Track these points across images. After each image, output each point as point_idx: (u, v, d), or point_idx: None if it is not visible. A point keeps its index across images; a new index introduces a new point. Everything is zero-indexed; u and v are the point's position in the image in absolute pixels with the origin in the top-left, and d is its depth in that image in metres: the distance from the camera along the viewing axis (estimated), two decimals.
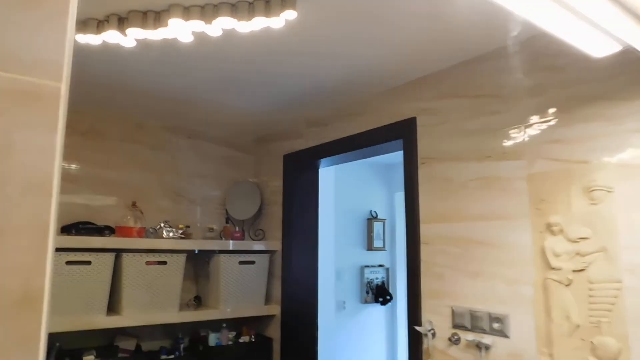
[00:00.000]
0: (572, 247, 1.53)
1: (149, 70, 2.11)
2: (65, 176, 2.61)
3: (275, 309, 2.85)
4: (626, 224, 1.41)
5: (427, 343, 1.94)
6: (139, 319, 2.41)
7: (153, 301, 2.46)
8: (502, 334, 1.70)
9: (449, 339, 1.86)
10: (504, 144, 1.77)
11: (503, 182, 1.76)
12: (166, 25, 1.61)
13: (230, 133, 3.11)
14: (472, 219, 1.85)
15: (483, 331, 1.76)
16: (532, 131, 1.68)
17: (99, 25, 1.67)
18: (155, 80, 2.22)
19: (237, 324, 2.88)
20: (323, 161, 2.86)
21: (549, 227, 1.60)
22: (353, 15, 1.62)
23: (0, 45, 0.46)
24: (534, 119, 1.68)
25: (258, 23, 1.59)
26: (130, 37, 1.68)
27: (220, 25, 1.61)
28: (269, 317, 2.90)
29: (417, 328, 1.98)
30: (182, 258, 2.59)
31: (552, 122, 1.63)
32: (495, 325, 1.72)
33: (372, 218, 4.43)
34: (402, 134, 2.15)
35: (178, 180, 2.97)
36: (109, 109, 2.68)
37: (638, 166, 1.40)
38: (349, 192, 4.28)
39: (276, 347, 2.84)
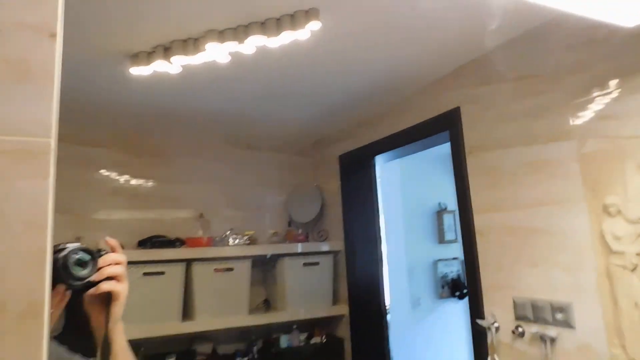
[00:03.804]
0: (633, 228, 1.42)
1: (198, 93, 2.24)
2: (138, 194, 2.83)
3: (343, 309, 2.89)
4: None
5: (491, 337, 1.87)
6: (211, 323, 2.56)
7: (223, 306, 2.59)
8: (567, 324, 1.61)
9: (512, 332, 1.79)
10: (551, 126, 1.68)
11: (553, 165, 1.67)
12: (204, 49, 1.70)
13: (286, 141, 3.19)
14: (525, 207, 1.77)
15: (546, 322, 1.67)
16: (580, 109, 1.58)
17: (148, 56, 1.80)
18: (206, 100, 2.34)
19: (308, 326, 2.94)
20: (377, 159, 2.86)
21: (606, 209, 1.49)
22: (380, 17, 1.62)
23: (1, 115, 0.57)
24: (580, 96, 1.58)
25: (286, 37, 1.63)
26: (175, 64, 1.80)
27: (253, 43, 1.67)
28: (339, 318, 2.94)
29: (479, 322, 1.92)
30: (247, 264, 2.71)
31: (600, 98, 1.52)
32: (559, 316, 1.63)
33: (441, 210, 4.32)
34: (447, 125, 2.10)
35: (241, 189, 3.10)
36: (172, 130, 2.86)
37: None
38: (415, 186, 4.20)
39: (347, 347, 2.87)
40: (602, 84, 1.51)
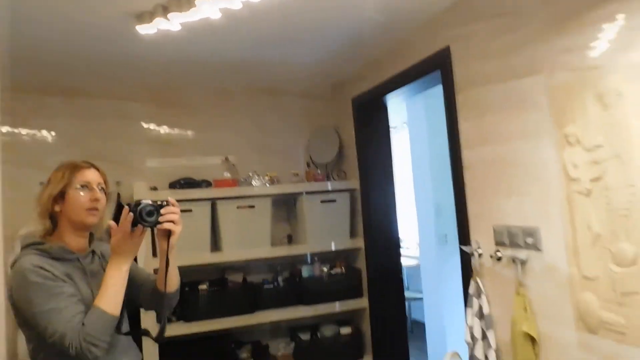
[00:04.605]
0: (589, 155, 1.50)
1: (215, 45, 2.42)
2: (170, 142, 3.14)
3: (360, 242, 3.11)
4: (637, 127, 1.35)
5: (474, 262, 2.03)
6: (236, 254, 2.87)
7: (247, 240, 2.90)
8: (535, 247, 1.73)
9: (491, 256, 1.94)
10: (525, 61, 1.73)
11: (528, 99, 1.74)
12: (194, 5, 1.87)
13: (305, 85, 3.33)
14: (505, 141, 1.86)
15: (519, 246, 1.81)
16: (548, 43, 1.63)
17: (150, 15, 1.99)
18: (224, 51, 2.52)
19: (329, 258, 3.20)
20: (391, 99, 2.94)
21: (567, 139, 1.57)
22: None
23: None
24: (549, 30, 1.62)
25: None
26: (174, 22, 1.99)
27: None
28: (356, 250, 3.17)
29: (464, 248, 2.08)
30: (268, 202, 2.97)
31: (565, 32, 1.56)
32: (529, 240, 1.76)
33: None
34: (438, 65, 2.17)
35: (264, 134, 3.32)
36: (197, 83, 3.11)
37: None
38: (442, 124, 4.20)
39: (364, 276, 3.11)
40: (568, 18, 1.55)
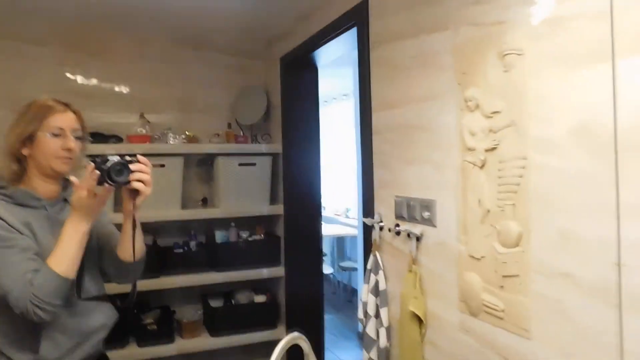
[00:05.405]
0: (487, 123, 1.35)
1: None
2: (80, 92, 2.84)
3: (279, 209, 2.94)
4: (535, 92, 1.20)
5: (375, 235, 1.89)
6: (145, 216, 2.65)
7: (156, 200, 2.66)
8: (431, 223, 1.60)
9: (389, 230, 1.80)
10: (435, 14, 1.56)
11: (433, 57, 1.57)
12: None
13: (233, 41, 3.06)
14: (412, 103, 1.69)
15: (415, 220, 1.67)
16: None
17: None
18: None
19: (249, 224, 3.02)
20: (318, 59, 2.73)
21: (466, 103, 1.41)
22: None
23: None
24: None
25: None
26: None
27: None
28: (278, 217, 3.01)
29: (365, 220, 1.93)
30: (180, 161, 2.75)
31: None
32: (425, 215, 1.62)
33: None
34: (356, 19, 1.97)
35: (186, 91, 3.07)
36: (116, 29, 2.80)
37: (549, 21, 1.15)
38: None
39: (283, 244, 2.96)
40: None
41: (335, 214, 6.45)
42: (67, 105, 1.40)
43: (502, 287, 1.30)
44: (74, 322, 1.35)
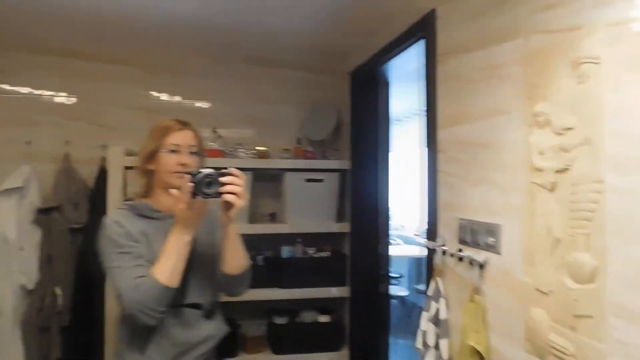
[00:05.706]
0: (558, 140, 1.20)
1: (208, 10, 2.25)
2: (155, 108, 3.00)
3: (346, 227, 2.87)
4: (613, 105, 1.04)
5: (437, 260, 1.76)
6: None
7: None
8: (495, 250, 1.45)
9: (452, 255, 1.67)
10: (503, 22, 1.43)
11: (501, 69, 1.44)
12: None
13: (303, 56, 3.05)
14: (478, 118, 1.57)
15: (479, 247, 1.52)
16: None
17: None
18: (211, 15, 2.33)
19: (314, 240, 2.98)
20: (387, 73, 2.65)
21: (535, 119, 1.27)
22: None
23: None
24: None
25: None
26: None
27: None
28: (344, 235, 2.94)
29: (428, 244, 1.81)
30: (248, 176, 2.78)
31: None
32: (490, 241, 1.47)
33: None
34: (423, 31, 1.88)
35: (257, 107, 3.11)
36: (188, 48, 2.94)
37: (629, 24, 1.00)
38: None
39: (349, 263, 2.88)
40: None
41: (415, 234, 6.23)
42: (185, 124, 1.48)
43: (573, 328, 1.13)
44: (180, 331, 1.41)
